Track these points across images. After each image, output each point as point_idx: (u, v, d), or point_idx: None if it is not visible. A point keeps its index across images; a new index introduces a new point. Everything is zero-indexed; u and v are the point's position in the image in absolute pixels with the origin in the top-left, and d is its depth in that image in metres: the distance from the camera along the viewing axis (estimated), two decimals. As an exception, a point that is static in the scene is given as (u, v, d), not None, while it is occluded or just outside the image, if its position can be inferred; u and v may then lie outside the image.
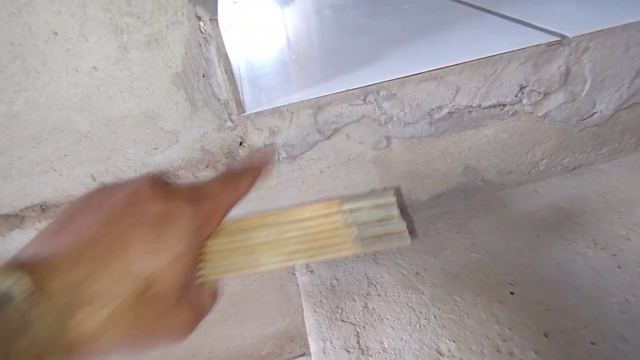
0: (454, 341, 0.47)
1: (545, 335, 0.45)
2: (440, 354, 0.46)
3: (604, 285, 0.49)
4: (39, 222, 0.50)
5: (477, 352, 0.45)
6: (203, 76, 0.46)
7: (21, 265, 0.20)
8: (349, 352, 0.49)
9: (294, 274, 0.63)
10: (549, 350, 0.44)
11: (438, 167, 0.59)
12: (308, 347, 0.79)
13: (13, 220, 0.49)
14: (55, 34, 0.41)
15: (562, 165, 0.66)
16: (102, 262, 0.21)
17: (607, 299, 0.48)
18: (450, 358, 0.46)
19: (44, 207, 0.49)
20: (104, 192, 0.24)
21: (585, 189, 0.65)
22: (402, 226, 0.27)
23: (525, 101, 0.56)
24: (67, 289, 0.20)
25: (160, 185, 0.25)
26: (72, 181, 0.48)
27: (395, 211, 0.27)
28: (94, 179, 0.49)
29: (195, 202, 0.25)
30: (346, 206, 0.27)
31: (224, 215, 0.26)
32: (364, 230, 0.27)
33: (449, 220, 0.63)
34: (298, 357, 0.78)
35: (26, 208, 0.48)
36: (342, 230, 0.27)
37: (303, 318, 0.63)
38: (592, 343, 0.44)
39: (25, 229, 0.50)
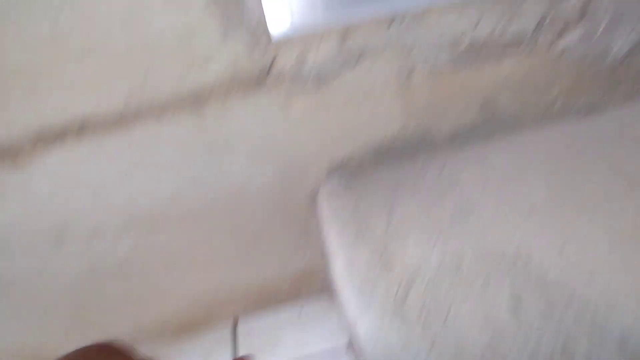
0: (472, 251, 0.50)
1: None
2: (461, 263, 0.49)
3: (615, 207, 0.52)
4: (78, 140, 0.52)
5: (494, 260, 0.48)
6: (236, -3, 0.48)
7: None
8: (372, 266, 0.52)
9: (314, 204, 0.65)
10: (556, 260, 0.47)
11: (457, 102, 0.61)
12: (326, 285, 0.82)
13: (56, 134, 0.51)
14: (98, -52, 0.43)
15: (576, 107, 0.68)
16: None
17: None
18: (469, 267, 0.48)
19: (82, 126, 0.52)
20: None
21: (598, 130, 0.67)
22: None
23: (543, 35, 0.58)
24: None
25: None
26: (111, 98, 0.50)
27: None
28: (131, 98, 0.51)
29: None
30: None
31: None
32: None
33: (466, 157, 0.65)
34: (315, 294, 0.81)
35: (67, 123, 0.51)
36: None
37: (321, 254, 0.66)
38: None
39: (64, 148, 0.52)
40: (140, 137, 0.54)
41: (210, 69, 0.51)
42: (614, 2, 0.58)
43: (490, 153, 0.64)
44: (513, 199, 0.55)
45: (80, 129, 0.52)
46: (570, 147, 0.63)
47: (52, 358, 0.30)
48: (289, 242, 0.71)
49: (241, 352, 0.75)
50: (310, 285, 0.78)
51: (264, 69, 0.53)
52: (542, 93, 0.64)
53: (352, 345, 0.56)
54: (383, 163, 0.64)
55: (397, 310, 0.46)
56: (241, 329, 0.79)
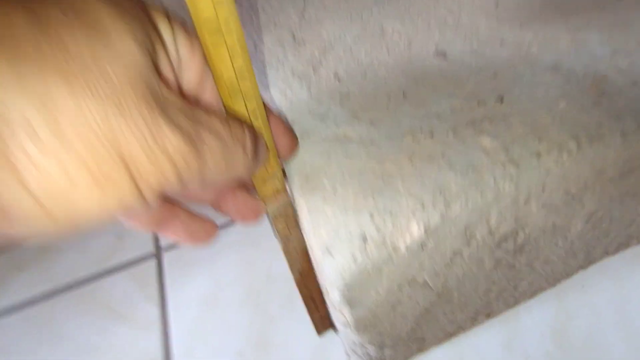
0: (399, 22, 0.43)
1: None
2: (384, 31, 0.42)
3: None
4: None
5: (424, 26, 0.41)
6: None
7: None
8: (284, 47, 0.43)
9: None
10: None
11: None
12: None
13: None
14: None
15: None
16: None
17: None
18: (394, 33, 0.41)
19: None
20: None
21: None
22: None
23: None
24: None
25: None
26: None
27: None
28: None
29: None
30: None
31: None
32: None
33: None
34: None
35: None
36: None
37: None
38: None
39: None
40: None
41: None
42: None
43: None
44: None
45: None
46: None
47: None
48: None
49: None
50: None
51: None
52: None
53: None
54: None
55: (309, 71, 0.38)
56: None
